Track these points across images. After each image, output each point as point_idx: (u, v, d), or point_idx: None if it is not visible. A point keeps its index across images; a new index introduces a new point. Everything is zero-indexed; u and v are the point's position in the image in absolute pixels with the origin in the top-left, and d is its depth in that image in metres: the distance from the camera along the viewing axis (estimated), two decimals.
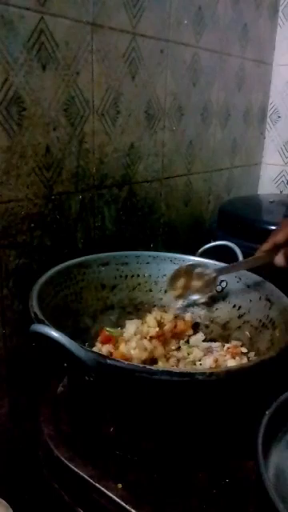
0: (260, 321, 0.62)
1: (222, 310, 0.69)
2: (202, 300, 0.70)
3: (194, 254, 0.73)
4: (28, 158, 0.63)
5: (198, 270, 0.68)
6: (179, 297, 0.70)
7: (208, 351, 0.63)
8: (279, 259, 0.59)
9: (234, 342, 0.63)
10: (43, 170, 0.66)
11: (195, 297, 0.70)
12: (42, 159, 0.65)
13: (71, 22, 0.65)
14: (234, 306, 0.68)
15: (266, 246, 0.60)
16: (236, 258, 0.69)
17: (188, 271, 0.68)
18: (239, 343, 0.63)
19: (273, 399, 0.45)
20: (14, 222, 0.64)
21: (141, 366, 0.46)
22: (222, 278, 0.70)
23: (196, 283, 0.69)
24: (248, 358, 0.60)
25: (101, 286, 0.69)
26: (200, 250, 0.74)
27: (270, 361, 0.46)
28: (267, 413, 0.43)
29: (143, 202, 0.88)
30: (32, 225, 0.66)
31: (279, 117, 1.29)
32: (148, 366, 0.42)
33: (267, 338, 0.58)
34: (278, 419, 0.44)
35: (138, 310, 0.70)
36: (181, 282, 0.69)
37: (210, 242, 0.75)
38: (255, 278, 0.66)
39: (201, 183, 1.06)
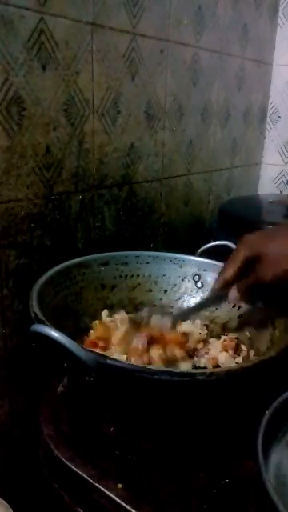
0: (260, 321, 0.62)
1: (222, 310, 0.69)
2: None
3: (193, 254, 0.73)
4: (28, 158, 0.63)
5: (154, 319, 0.63)
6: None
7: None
8: (232, 296, 0.57)
9: (230, 335, 0.64)
10: (43, 170, 0.66)
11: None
12: (42, 159, 0.65)
13: (71, 22, 0.65)
14: (234, 306, 0.68)
15: (216, 285, 0.58)
16: None
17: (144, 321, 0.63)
18: (235, 335, 0.63)
19: (273, 399, 0.45)
20: (14, 222, 0.64)
21: (141, 366, 0.46)
22: None
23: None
24: (241, 354, 0.61)
25: (101, 286, 0.69)
26: (200, 250, 0.74)
27: (270, 361, 0.46)
28: (267, 413, 0.43)
29: (143, 202, 0.88)
30: (32, 225, 0.66)
31: (279, 117, 1.29)
32: (148, 366, 0.42)
33: (267, 338, 0.58)
34: (278, 419, 0.44)
35: (137, 310, 0.70)
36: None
37: (209, 242, 0.75)
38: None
39: (201, 183, 1.06)
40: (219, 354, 0.60)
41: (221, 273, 0.58)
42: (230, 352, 0.61)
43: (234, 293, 0.56)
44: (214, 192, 1.13)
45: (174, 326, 0.62)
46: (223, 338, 0.64)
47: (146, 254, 0.73)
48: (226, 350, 0.61)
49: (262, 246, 0.54)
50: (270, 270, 0.53)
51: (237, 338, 0.63)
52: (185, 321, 0.65)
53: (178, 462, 0.50)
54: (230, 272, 0.56)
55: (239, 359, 0.60)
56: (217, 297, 0.61)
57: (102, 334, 0.59)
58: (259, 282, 0.54)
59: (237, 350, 0.62)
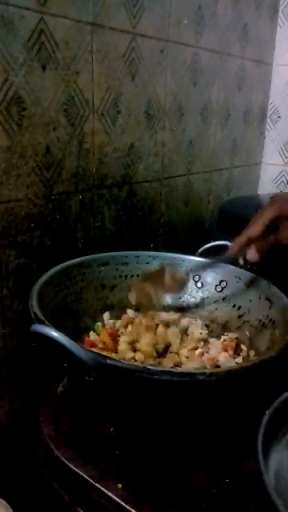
0: (260, 321, 0.62)
1: (222, 310, 0.69)
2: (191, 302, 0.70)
3: (193, 254, 0.73)
4: (28, 158, 0.63)
5: (169, 269, 0.67)
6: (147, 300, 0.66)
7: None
8: (251, 255, 0.57)
9: (230, 335, 0.64)
10: (43, 170, 0.66)
11: (168, 297, 0.69)
12: (42, 159, 0.65)
13: (71, 21, 0.65)
14: (234, 306, 0.68)
15: (239, 241, 0.58)
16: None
17: (159, 273, 0.66)
18: (235, 335, 0.63)
19: (273, 399, 0.45)
20: (14, 222, 0.64)
21: (141, 365, 0.46)
22: (220, 278, 0.70)
23: (168, 283, 0.67)
24: (241, 354, 0.61)
25: (101, 286, 0.69)
26: (200, 250, 0.74)
27: (270, 361, 0.46)
28: (267, 413, 0.43)
29: (143, 202, 0.88)
30: (32, 225, 0.66)
31: (279, 117, 1.29)
32: (148, 366, 0.42)
33: (267, 338, 0.58)
34: (278, 419, 0.44)
35: (137, 310, 0.70)
36: (148, 287, 0.66)
37: (209, 242, 0.75)
38: (255, 277, 0.66)
39: (201, 183, 1.06)
40: (219, 354, 0.60)
41: (245, 229, 0.57)
42: (230, 352, 0.61)
43: (253, 252, 0.56)
44: (213, 192, 1.13)
45: (187, 275, 0.67)
46: (223, 337, 0.64)
47: (146, 254, 0.73)
48: (226, 350, 0.61)
49: None
50: None
51: (237, 338, 0.63)
52: (198, 272, 0.69)
53: (178, 462, 0.50)
54: (256, 229, 0.55)
55: (239, 359, 0.60)
56: (236, 253, 0.61)
57: (105, 339, 0.59)
58: (280, 242, 0.54)
59: (237, 350, 0.62)
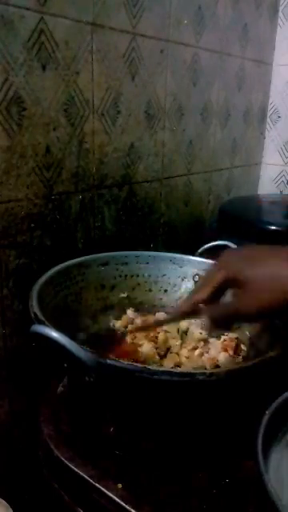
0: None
1: None
2: None
3: (193, 254, 0.73)
4: (28, 157, 0.63)
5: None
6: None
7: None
8: (207, 325, 0.49)
9: (230, 335, 0.64)
10: (43, 170, 0.66)
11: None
12: (42, 159, 0.65)
13: (71, 21, 0.65)
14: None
15: (184, 308, 0.51)
16: None
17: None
18: (235, 335, 0.63)
19: (273, 399, 0.45)
20: (14, 222, 0.64)
21: (141, 366, 0.46)
22: None
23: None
24: (240, 354, 0.61)
25: (100, 286, 0.69)
26: (200, 250, 0.74)
27: (270, 361, 0.46)
28: (267, 413, 0.43)
29: (143, 202, 0.88)
30: (32, 225, 0.66)
31: (279, 117, 1.29)
32: (148, 366, 0.42)
33: (267, 338, 0.58)
34: (278, 419, 0.44)
35: (137, 310, 0.70)
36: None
37: (209, 242, 0.75)
38: None
39: (201, 183, 1.06)
40: (219, 354, 0.60)
41: (193, 292, 0.51)
42: (230, 352, 0.60)
43: (207, 322, 0.48)
44: (214, 192, 1.13)
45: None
46: (223, 337, 0.64)
47: (145, 254, 0.73)
48: (226, 350, 0.60)
49: (244, 270, 0.45)
50: (254, 302, 0.44)
51: (237, 338, 0.63)
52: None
53: (178, 462, 0.50)
54: (203, 295, 0.48)
55: (239, 359, 0.60)
56: (181, 317, 0.56)
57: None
58: (240, 314, 0.46)
59: (237, 350, 0.62)
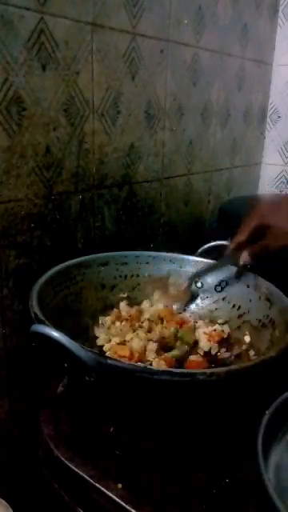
0: (260, 321, 0.62)
1: (222, 310, 0.69)
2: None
3: (193, 254, 0.73)
4: (28, 157, 0.63)
5: (171, 279, 0.73)
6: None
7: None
8: (244, 258, 0.63)
9: (225, 328, 0.66)
10: (43, 169, 0.66)
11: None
12: (42, 159, 0.65)
13: (71, 21, 0.65)
14: (234, 306, 0.68)
15: (230, 246, 0.65)
16: None
17: (162, 283, 0.73)
18: (227, 331, 0.65)
19: (273, 399, 0.45)
20: (14, 222, 0.64)
21: (141, 366, 0.46)
22: (221, 278, 0.70)
23: (172, 293, 0.73)
24: (233, 352, 0.62)
25: (101, 286, 0.69)
26: (200, 250, 0.74)
27: (270, 361, 0.46)
28: (267, 413, 0.43)
29: (143, 202, 0.88)
30: (32, 225, 0.66)
31: (279, 117, 1.29)
32: (149, 366, 0.42)
33: (267, 338, 0.58)
34: (278, 419, 0.44)
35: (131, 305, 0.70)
36: (156, 295, 0.72)
37: (209, 242, 0.75)
38: (255, 277, 0.66)
39: (201, 183, 1.06)
40: (202, 337, 0.63)
41: (234, 236, 0.64)
42: (213, 344, 0.63)
43: (245, 255, 0.63)
44: (214, 192, 1.13)
45: (189, 284, 0.72)
46: (214, 327, 0.65)
47: (145, 254, 0.73)
48: (210, 341, 0.63)
49: (271, 218, 0.61)
50: (275, 241, 0.60)
51: (228, 335, 0.65)
52: (199, 279, 0.72)
53: (178, 462, 0.50)
54: (241, 237, 0.63)
55: (223, 353, 0.62)
56: (231, 257, 0.66)
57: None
58: (266, 249, 0.61)
59: (227, 346, 0.63)
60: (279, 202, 0.64)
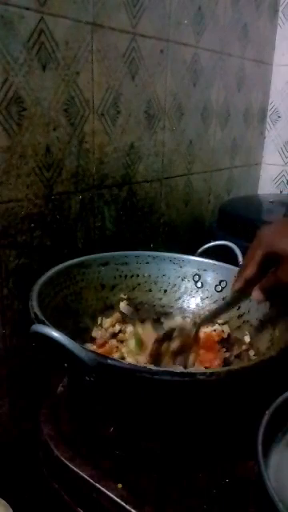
0: (260, 321, 0.62)
1: None
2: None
3: (193, 254, 0.73)
4: (28, 157, 0.63)
5: (176, 333, 0.61)
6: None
7: None
8: (257, 295, 0.54)
9: (225, 329, 0.65)
10: (43, 169, 0.66)
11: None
12: (42, 159, 0.65)
13: (71, 21, 0.65)
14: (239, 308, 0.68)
15: (237, 286, 0.55)
16: (236, 258, 0.69)
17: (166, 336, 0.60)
18: (227, 331, 0.65)
19: (273, 399, 0.45)
20: (14, 222, 0.64)
21: (141, 366, 0.46)
22: (220, 278, 0.70)
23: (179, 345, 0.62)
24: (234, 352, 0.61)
25: (101, 286, 0.69)
26: (200, 250, 0.74)
27: (270, 361, 0.46)
28: (267, 413, 0.43)
29: (143, 202, 0.88)
30: (32, 225, 0.66)
31: (279, 117, 1.29)
32: (149, 366, 0.42)
33: (267, 338, 0.58)
34: (278, 419, 0.44)
35: (137, 310, 0.70)
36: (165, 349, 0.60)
37: (209, 242, 0.75)
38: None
39: (201, 183, 1.06)
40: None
41: (240, 272, 0.55)
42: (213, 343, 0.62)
43: (257, 293, 0.54)
44: (214, 192, 1.13)
45: (197, 332, 0.60)
46: (214, 328, 0.65)
47: (145, 254, 0.73)
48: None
49: (280, 244, 0.51)
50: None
51: (229, 336, 0.64)
52: (207, 325, 0.65)
53: (178, 462, 0.50)
54: (250, 271, 0.53)
55: (223, 352, 0.61)
56: (239, 297, 0.58)
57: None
58: (280, 283, 0.51)
59: (229, 348, 0.63)
60: (282, 225, 0.53)
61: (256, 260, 0.52)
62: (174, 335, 0.59)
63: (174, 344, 0.59)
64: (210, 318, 0.62)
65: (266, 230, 0.53)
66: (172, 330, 0.59)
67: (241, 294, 0.57)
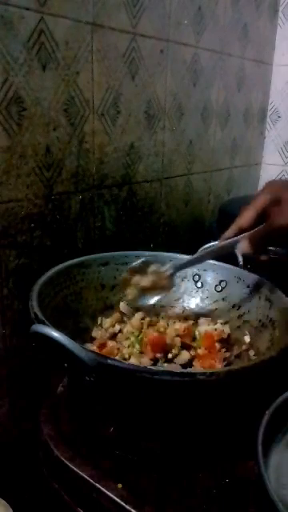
0: (260, 321, 0.62)
1: (222, 310, 0.69)
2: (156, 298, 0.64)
3: (193, 254, 0.73)
4: (28, 157, 0.63)
5: (153, 267, 0.61)
6: (133, 300, 0.63)
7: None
8: (244, 247, 0.53)
9: (225, 329, 0.65)
10: (43, 169, 0.66)
11: (151, 299, 0.64)
12: (42, 159, 0.65)
13: (71, 21, 0.65)
14: (234, 306, 0.68)
15: (229, 233, 0.54)
16: (235, 258, 0.69)
17: (142, 270, 0.61)
18: (227, 332, 0.65)
19: (273, 399, 0.45)
20: (14, 222, 0.64)
21: (141, 366, 0.46)
22: (220, 278, 0.70)
23: (150, 282, 0.62)
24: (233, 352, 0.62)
25: (101, 286, 0.69)
26: (200, 250, 0.74)
27: (270, 361, 0.46)
28: (267, 413, 0.43)
29: (143, 202, 0.88)
30: (32, 225, 0.66)
31: (279, 117, 1.29)
32: (149, 367, 0.42)
33: (267, 338, 0.58)
34: (278, 419, 0.44)
35: (137, 309, 0.70)
36: (134, 282, 0.62)
37: (209, 242, 0.75)
38: (255, 277, 0.66)
39: (201, 183, 1.06)
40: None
41: (237, 218, 0.53)
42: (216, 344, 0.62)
43: (244, 243, 0.52)
44: (214, 192, 1.13)
45: (173, 274, 0.60)
46: (215, 327, 0.65)
47: (145, 254, 0.73)
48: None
49: (283, 192, 0.50)
50: (283, 218, 0.49)
51: (229, 336, 0.64)
52: (182, 269, 0.64)
53: (178, 462, 0.50)
54: (247, 218, 0.52)
55: (223, 352, 0.61)
56: (226, 246, 0.56)
57: None
58: (274, 228, 0.50)
59: (229, 348, 0.63)
60: None
61: (257, 206, 0.51)
62: (149, 271, 0.60)
63: (146, 279, 0.60)
64: (188, 263, 0.62)
65: (273, 181, 0.54)
66: (148, 265, 0.60)
67: (229, 245, 0.55)
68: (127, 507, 0.44)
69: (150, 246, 0.92)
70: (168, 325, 0.67)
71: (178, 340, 0.61)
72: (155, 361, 0.59)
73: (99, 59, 0.71)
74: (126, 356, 0.59)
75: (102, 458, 0.49)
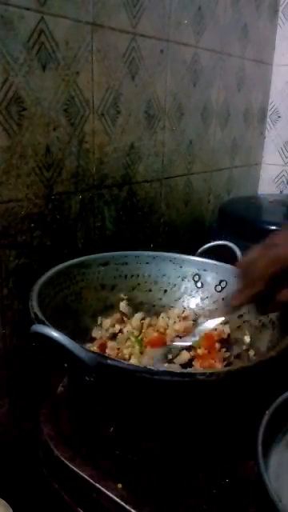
0: (260, 321, 0.62)
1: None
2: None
3: (193, 254, 0.73)
4: (28, 157, 0.63)
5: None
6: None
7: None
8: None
9: (225, 330, 0.65)
10: (43, 169, 0.66)
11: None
12: (42, 159, 0.65)
13: (71, 21, 0.65)
14: None
15: (238, 302, 0.48)
16: (236, 258, 0.69)
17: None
18: (227, 332, 0.65)
19: (273, 399, 0.45)
20: (14, 222, 0.64)
21: (141, 366, 0.46)
22: (220, 278, 0.70)
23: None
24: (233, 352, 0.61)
25: (101, 286, 0.69)
26: (200, 250, 0.74)
27: (270, 361, 0.46)
28: (267, 413, 0.43)
29: (143, 202, 0.88)
30: (32, 225, 0.66)
31: (279, 117, 1.29)
32: (149, 367, 0.42)
33: (267, 338, 0.58)
34: (278, 419, 0.44)
35: (137, 310, 0.70)
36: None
37: (209, 242, 0.75)
38: None
39: (201, 183, 1.06)
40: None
41: (243, 285, 0.47)
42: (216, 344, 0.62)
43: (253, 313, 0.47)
44: (214, 192, 1.13)
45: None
46: (215, 327, 0.64)
47: (145, 254, 0.73)
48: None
49: None
50: None
51: (228, 336, 0.64)
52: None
53: (178, 462, 0.50)
54: (257, 288, 0.45)
55: (222, 353, 0.61)
56: (236, 309, 0.53)
57: None
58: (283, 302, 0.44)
59: (229, 348, 0.63)
60: None
61: (261, 281, 0.44)
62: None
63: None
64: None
65: (272, 244, 0.45)
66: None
67: (237, 309, 0.50)
68: (127, 507, 0.44)
69: (150, 245, 0.92)
70: (168, 325, 0.67)
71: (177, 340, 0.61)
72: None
73: (99, 59, 0.70)
74: (126, 356, 0.59)
75: (101, 458, 0.49)
